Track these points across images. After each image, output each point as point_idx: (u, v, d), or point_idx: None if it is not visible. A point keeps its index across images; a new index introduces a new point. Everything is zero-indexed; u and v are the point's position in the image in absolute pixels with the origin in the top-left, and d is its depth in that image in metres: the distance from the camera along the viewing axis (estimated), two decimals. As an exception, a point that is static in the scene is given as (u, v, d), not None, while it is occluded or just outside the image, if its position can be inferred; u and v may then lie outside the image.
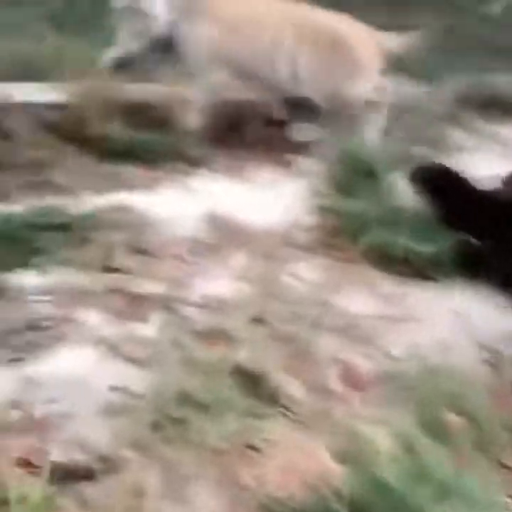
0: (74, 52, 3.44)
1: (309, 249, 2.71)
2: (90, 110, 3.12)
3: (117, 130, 3.06)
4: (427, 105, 4.00)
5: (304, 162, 3.29)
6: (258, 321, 2.27)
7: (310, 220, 2.89)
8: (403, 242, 2.59)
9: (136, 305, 2.29)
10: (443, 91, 4.08)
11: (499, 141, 3.72)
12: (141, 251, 2.54)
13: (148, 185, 2.96)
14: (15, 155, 3.01)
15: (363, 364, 2.14)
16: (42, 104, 3.26)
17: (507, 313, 2.46)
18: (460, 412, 1.98)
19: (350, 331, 2.28)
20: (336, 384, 2.04)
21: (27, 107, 3.24)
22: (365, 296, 2.47)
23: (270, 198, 3.02)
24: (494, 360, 2.24)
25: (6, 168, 2.93)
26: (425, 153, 3.40)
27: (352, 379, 2.07)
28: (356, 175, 3.08)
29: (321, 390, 2.02)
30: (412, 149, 3.45)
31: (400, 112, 3.84)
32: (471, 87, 4.15)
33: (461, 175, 2.70)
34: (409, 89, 4.03)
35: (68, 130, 3.15)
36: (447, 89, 4.10)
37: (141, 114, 3.13)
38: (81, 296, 2.30)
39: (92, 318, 2.22)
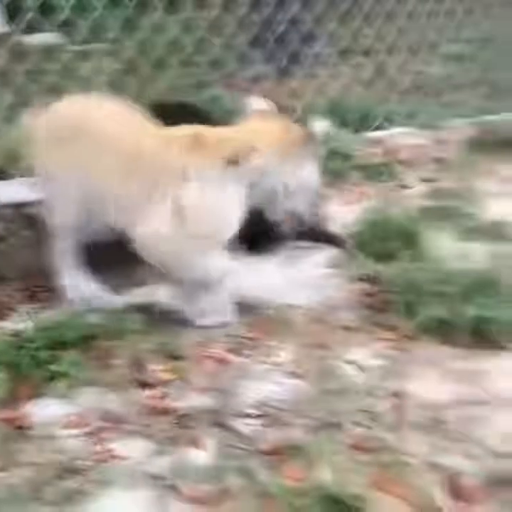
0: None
1: (358, 329, 2.39)
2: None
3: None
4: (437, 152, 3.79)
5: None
6: (330, 426, 1.93)
7: (348, 294, 2.59)
8: (470, 310, 2.29)
9: (183, 426, 1.94)
10: (451, 136, 3.86)
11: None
12: (174, 356, 2.21)
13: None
14: (9, 261, 2.68)
15: (466, 467, 1.80)
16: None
17: None
18: None
19: (437, 425, 1.95)
20: (443, 499, 1.71)
21: (13, 205, 2.93)
22: (438, 379, 2.14)
23: (297, 272, 2.71)
24: None
25: (3, 278, 2.60)
26: (457, 206, 3.14)
27: (460, 489, 1.73)
28: (389, 238, 2.80)
29: (429, 509, 1.68)
30: (440, 202, 3.21)
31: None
32: (479, 130, 3.95)
33: None
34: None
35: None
36: (455, 134, 3.89)
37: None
38: (118, 424, 1.95)
39: (136, 450, 1.87)
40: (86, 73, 3.46)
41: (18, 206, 2.92)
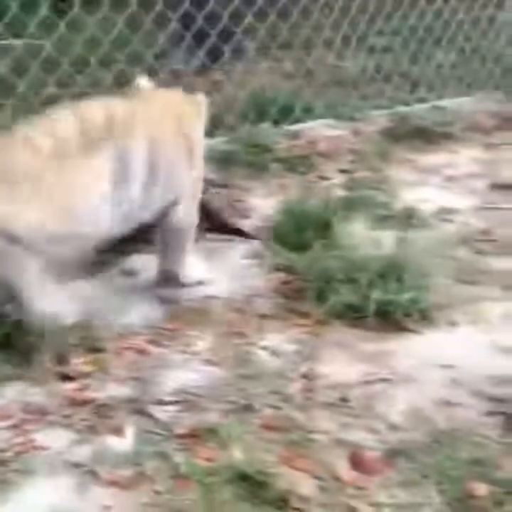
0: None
1: (274, 317, 2.51)
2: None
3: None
4: (354, 143, 3.93)
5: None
6: (243, 409, 2.05)
7: (265, 283, 2.70)
8: (376, 295, 2.43)
9: (103, 416, 2.03)
10: (368, 128, 4.01)
11: (436, 171, 3.65)
12: (95, 349, 2.29)
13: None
14: None
15: (369, 442, 1.94)
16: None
17: (494, 352, 2.33)
18: (484, 479, 1.81)
19: (344, 403, 2.09)
20: (346, 472, 1.84)
21: None
22: (347, 361, 2.28)
23: (215, 265, 2.81)
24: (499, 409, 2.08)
25: None
26: (371, 195, 3.28)
27: (362, 462, 1.86)
28: (305, 228, 2.92)
29: (332, 482, 1.81)
30: (356, 192, 3.34)
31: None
32: (394, 120, 4.10)
33: None
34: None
35: None
36: (372, 125, 4.03)
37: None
38: (40, 416, 2.03)
39: (57, 440, 1.95)
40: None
41: None
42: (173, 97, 2.67)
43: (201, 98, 2.67)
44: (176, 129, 2.53)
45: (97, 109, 2.36)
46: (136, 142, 2.36)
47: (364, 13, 4.36)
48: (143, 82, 2.64)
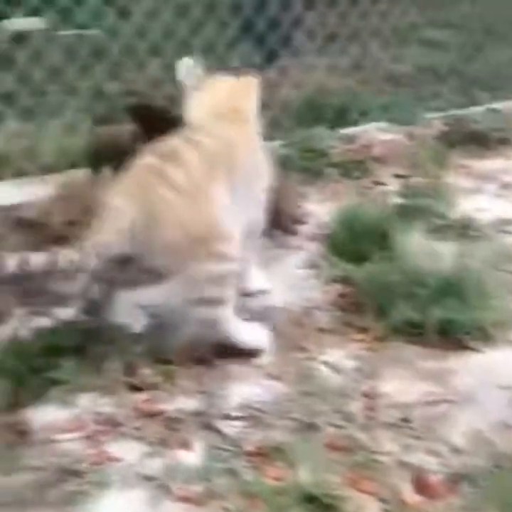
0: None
1: (333, 331, 2.56)
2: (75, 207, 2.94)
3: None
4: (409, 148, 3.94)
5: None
6: (307, 427, 2.10)
7: (322, 295, 2.75)
8: (436, 312, 2.46)
9: (173, 429, 2.10)
10: (424, 131, 4.01)
11: (492, 178, 3.65)
12: (163, 360, 2.36)
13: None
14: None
15: (432, 465, 1.99)
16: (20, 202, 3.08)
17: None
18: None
19: (406, 424, 2.13)
20: (410, 495, 1.89)
21: (4, 208, 3.05)
22: (407, 379, 2.32)
23: (273, 274, 2.85)
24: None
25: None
26: (428, 204, 3.29)
27: (426, 486, 1.91)
28: (362, 238, 2.96)
29: (396, 505, 1.86)
30: (411, 200, 3.36)
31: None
32: (448, 123, 4.10)
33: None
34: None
35: (52, 229, 2.96)
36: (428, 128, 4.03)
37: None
38: (112, 427, 2.11)
39: (131, 452, 2.03)
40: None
41: (10, 209, 3.05)
42: (238, 93, 2.69)
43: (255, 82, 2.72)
44: (252, 140, 2.61)
45: (207, 135, 2.44)
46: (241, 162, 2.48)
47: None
48: (191, 65, 2.67)
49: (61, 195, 3.08)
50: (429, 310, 2.49)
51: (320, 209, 3.37)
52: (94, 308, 2.42)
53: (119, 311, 2.42)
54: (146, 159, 2.35)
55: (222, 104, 2.62)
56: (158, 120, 3.16)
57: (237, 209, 2.40)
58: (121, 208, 2.26)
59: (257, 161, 2.58)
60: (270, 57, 4.25)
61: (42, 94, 3.39)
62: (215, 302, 2.32)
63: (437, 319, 2.45)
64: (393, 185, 3.61)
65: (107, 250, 2.22)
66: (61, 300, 2.64)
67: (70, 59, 3.53)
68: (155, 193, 2.28)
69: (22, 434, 2.08)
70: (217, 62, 3.87)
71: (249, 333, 2.42)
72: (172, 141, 2.40)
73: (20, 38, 3.46)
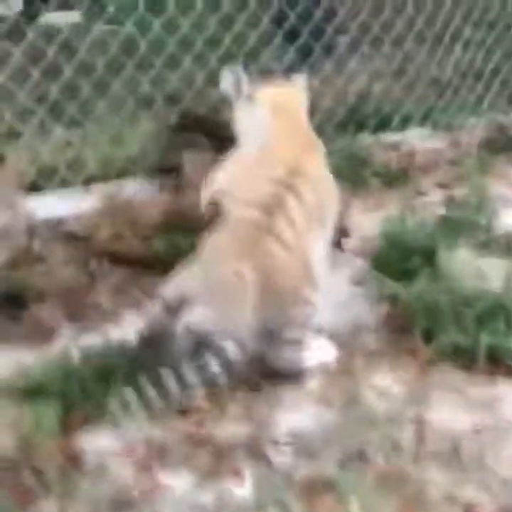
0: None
1: (380, 354, 2.55)
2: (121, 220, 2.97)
3: (156, 241, 2.89)
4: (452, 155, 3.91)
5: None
6: (357, 457, 2.11)
7: (369, 315, 2.74)
8: (485, 338, 2.44)
9: (222, 457, 2.12)
10: (467, 138, 3.97)
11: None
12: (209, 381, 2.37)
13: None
14: (50, 280, 2.83)
15: (481, 499, 1.99)
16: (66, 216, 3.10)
17: None
18: None
19: (456, 454, 2.13)
20: (461, 531, 1.89)
21: (50, 221, 3.07)
22: (456, 407, 2.31)
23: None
24: None
25: (44, 297, 2.76)
26: (471, 217, 3.26)
27: (476, 522, 1.91)
28: (409, 256, 2.94)
29: (448, 542, 1.87)
30: (456, 212, 3.33)
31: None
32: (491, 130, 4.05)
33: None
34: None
35: (98, 243, 2.99)
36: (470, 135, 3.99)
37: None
38: (162, 453, 2.13)
39: (181, 480, 2.05)
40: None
41: (56, 222, 3.07)
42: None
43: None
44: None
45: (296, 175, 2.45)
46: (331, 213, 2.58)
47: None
48: (236, 74, 2.65)
49: (107, 207, 3.10)
50: (477, 334, 2.48)
51: (364, 220, 3.35)
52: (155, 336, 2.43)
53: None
54: (249, 213, 2.36)
55: (287, 125, 2.59)
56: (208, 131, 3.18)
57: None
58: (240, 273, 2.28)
59: (330, 194, 2.59)
60: (314, 66, 4.21)
61: (87, 103, 3.40)
62: (297, 343, 2.39)
63: (485, 345, 2.44)
64: (436, 196, 3.59)
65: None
66: (111, 316, 2.69)
67: (114, 70, 3.53)
68: (268, 252, 2.32)
69: (74, 459, 2.12)
70: (260, 71, 3.88)
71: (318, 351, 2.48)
72: (269, 188, 2.39)
73: (56, 35, 3.40)
